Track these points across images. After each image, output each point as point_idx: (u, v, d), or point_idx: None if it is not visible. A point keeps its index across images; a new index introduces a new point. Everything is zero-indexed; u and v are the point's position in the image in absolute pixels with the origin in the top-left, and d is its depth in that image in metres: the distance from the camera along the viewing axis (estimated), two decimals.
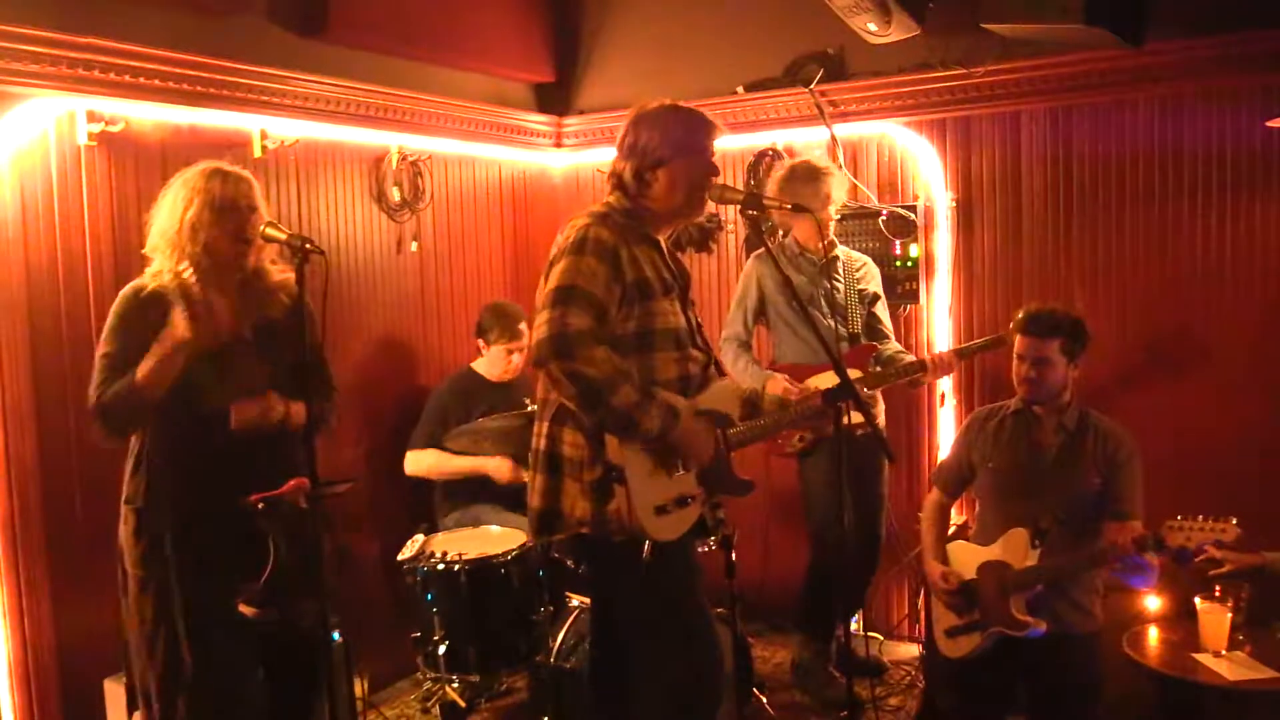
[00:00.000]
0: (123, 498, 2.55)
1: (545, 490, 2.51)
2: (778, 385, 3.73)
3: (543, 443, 2.52)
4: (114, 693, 3.17)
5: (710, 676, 2.61)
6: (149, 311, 2.44)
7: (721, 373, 2.77)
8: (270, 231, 2.50)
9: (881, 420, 4.00)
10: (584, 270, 2.38)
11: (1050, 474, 3.03)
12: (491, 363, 4.13)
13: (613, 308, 2.41)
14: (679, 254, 4.76)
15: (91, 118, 3.21)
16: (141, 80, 3.26)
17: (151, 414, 2.42)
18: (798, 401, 2.80)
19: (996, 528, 3.03)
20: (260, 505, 2.31)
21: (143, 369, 2.35)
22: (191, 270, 2.43)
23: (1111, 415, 3.12)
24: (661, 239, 2.66)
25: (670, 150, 2.55)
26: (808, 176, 3.81)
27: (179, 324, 2.32)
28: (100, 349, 2.47)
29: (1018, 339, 3.06)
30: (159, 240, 2.51)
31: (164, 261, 2.49)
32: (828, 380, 2.64)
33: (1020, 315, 3.08)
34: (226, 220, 2.48)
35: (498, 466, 3.90)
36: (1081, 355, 3.02)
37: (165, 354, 2.33)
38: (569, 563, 3.54)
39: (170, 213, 2.51)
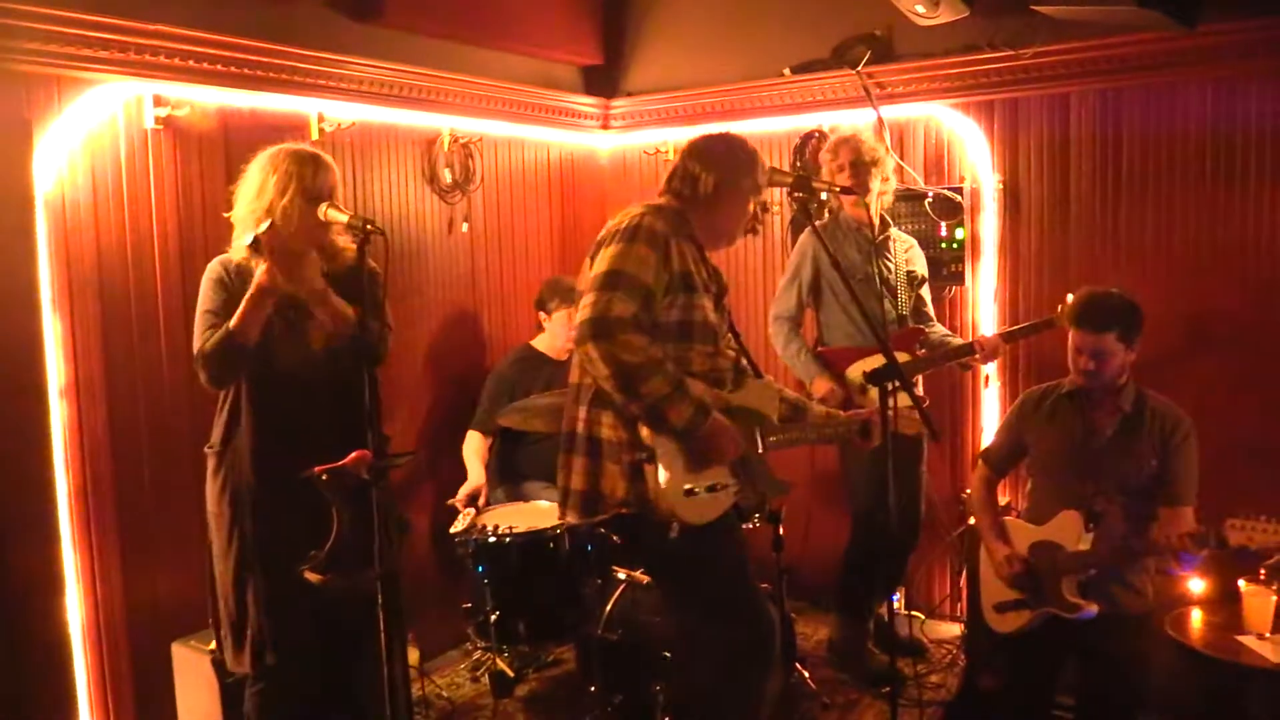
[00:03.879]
0: (207, 443, 2.76)
1: (587, 472, 2.59)
2: (824, 386, 3.77)
3: (581, 426, 2.61)
4: (181, 655, 3.31)
5: (757, 651, 2.66)
6: (236, 279, 2.64)
7: (758, 374, 2.87)
8: (333, 213, 2.58)
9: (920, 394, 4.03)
10: (634, 256, 2.47)
11: (1106, 456, 3.01)
12: (553, 334, 4.23)
13: (659, 294, 2.50)
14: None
15: (158, 102, 3.33)
16: (205, 65, 3.37)
17: (248, 362, 2.61)
18: (844, 419, 2.92)
19: (1049, 507, 3.03)
20: (324, 477, 2.39)
21: (235, 317, 2.55)
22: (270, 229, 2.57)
23: None
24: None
25: (747, 183, 2.71)
26: (856, 150, 3.84)
27: (263, 274, 2.52)
28: (200, 308, 2.67)
29: (1072, 332, 3.01)
30: (247, 215, 2.64)
31: (248, 235, 2.60)
32: (875, 364, 2.69)
33: (1073, 304, 3.04)
34: (314, 209, 2.60)
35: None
36: (1138, 339, 2.97)
37: (253, 299, 2.54)
38: (615, 538, 3.63)
39: (262, 192, 2.62)
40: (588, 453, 2.59)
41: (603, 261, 2.49)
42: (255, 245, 2.51)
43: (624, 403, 2.47)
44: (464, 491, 3.98)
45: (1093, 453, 3.02)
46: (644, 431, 2.49)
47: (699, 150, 2.73)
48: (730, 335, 2.80)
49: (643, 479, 2.49)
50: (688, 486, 2.52)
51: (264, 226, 2.51)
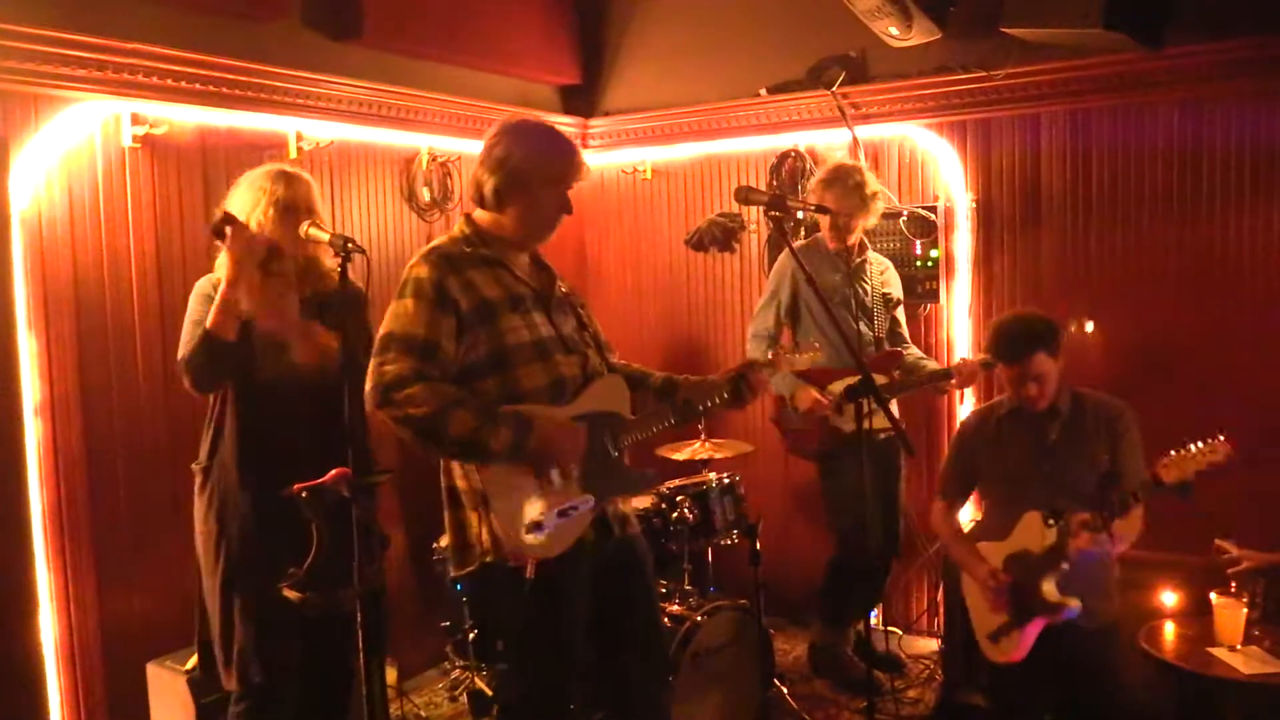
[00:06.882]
0: (194, 460, 2.76)
1: (452, 525, 2.52)
2: (809, 397, 3.78)
3: (442, 478, 2.54)
4: (156, 676, 3.27)
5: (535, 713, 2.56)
6: None
7: (610, 366, 2.67)
8: (314, 231, 2.60)
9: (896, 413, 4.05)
10: (400, 314, 2.39)
11: (1059, 463, 3.06)
12: None
13: (445, 341, 2.38)
14: (704, 247, 4.85)
15: (136, 120, 3.33)
16: (183, 84, 3.38)
17: (231, 365, 2.62)
18: (715, 379, 2.63)
19: (1011, 520, 3.05)
20: (304, 494, 2.39)
21: (210, 317, 2.59)
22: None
23: None
24: (515, 254, 2.58)
25: (535, 176, 2.49)
26: (847, 180, 3.85)
27: (229, 268, 2.57)
28: (188, 320, 2.70)
29: (1001, 369, 3.10)
30: None
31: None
32: (852, 383, 2.68)
33: (990, 342, 3.12)
34: (288, 222, 2.65)
35: None
36: (1061, 347, 3.06)
37: (224, 296, 2.58)
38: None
39: (239, 210, 2.68)
40: (449, 504, 2.53)
41: (381, 325, 2.42)
42: (218, 232, 2.57)
43: (443, 454, 2.42)
44: None
45: (1045, 460, 3.08)
46: (476, 472, 2.39)
47: (485, 150, 2.52)
48: (588, 336, 2.63)
49: (491, 524, 2.39)
50: (533, 519, 2.36)
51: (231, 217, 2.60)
